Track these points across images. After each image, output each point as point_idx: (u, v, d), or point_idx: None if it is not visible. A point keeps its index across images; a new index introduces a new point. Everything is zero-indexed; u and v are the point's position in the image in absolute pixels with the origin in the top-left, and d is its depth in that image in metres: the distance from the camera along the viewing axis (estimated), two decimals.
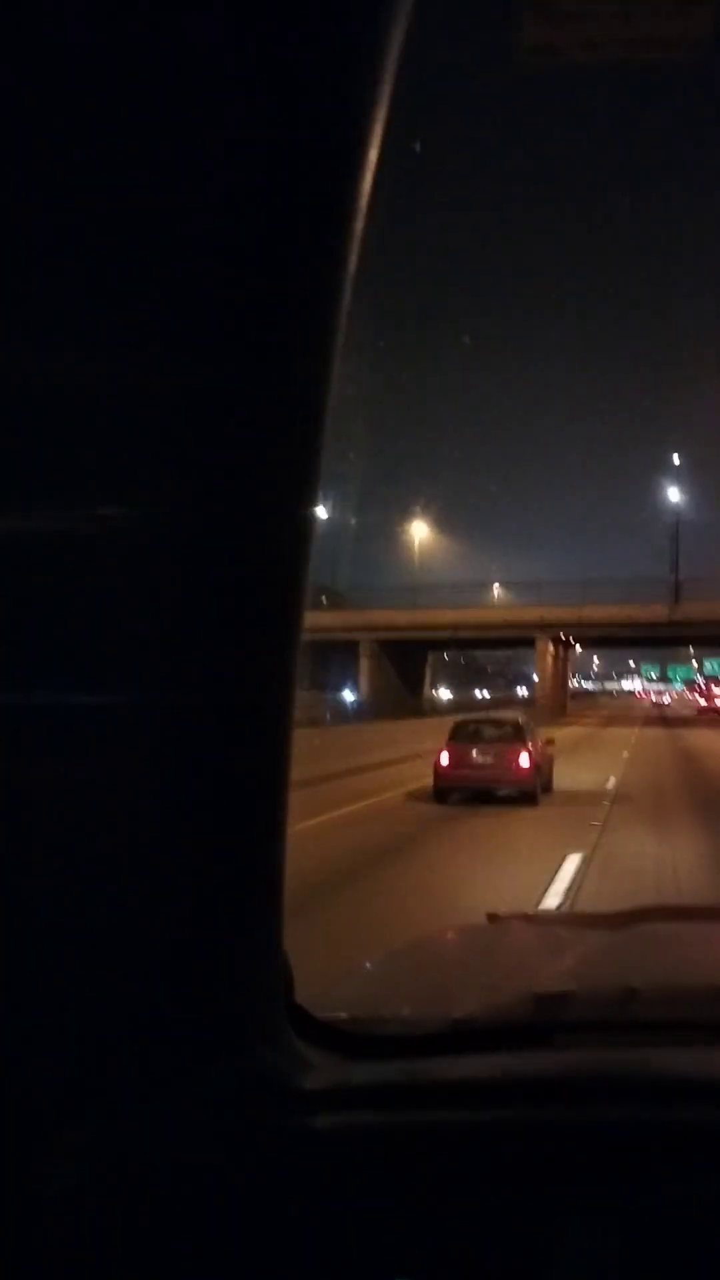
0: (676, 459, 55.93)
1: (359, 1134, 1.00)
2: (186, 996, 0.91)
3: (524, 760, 13.34)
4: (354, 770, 17.35)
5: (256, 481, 0.83)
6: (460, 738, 14.04)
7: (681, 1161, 0.99)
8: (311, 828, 10.14)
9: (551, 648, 50.39)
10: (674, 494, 52.40)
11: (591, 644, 69.65)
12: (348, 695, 48.24)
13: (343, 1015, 1.23)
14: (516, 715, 16.08)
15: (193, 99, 0.73)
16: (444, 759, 13.62)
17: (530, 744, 13.70)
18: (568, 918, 2.98)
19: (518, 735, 13.82)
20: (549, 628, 47.13)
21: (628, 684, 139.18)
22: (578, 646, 66.73)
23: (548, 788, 14.02)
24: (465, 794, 13.28)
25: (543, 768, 13.93)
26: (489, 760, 13.41)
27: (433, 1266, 0.93)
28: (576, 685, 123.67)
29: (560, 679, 57.17)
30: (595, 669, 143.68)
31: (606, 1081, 1.08)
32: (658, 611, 44.20)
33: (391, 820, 11.97)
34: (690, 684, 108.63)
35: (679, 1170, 0.99)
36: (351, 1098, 1.03)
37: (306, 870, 7.41)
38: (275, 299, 0.79)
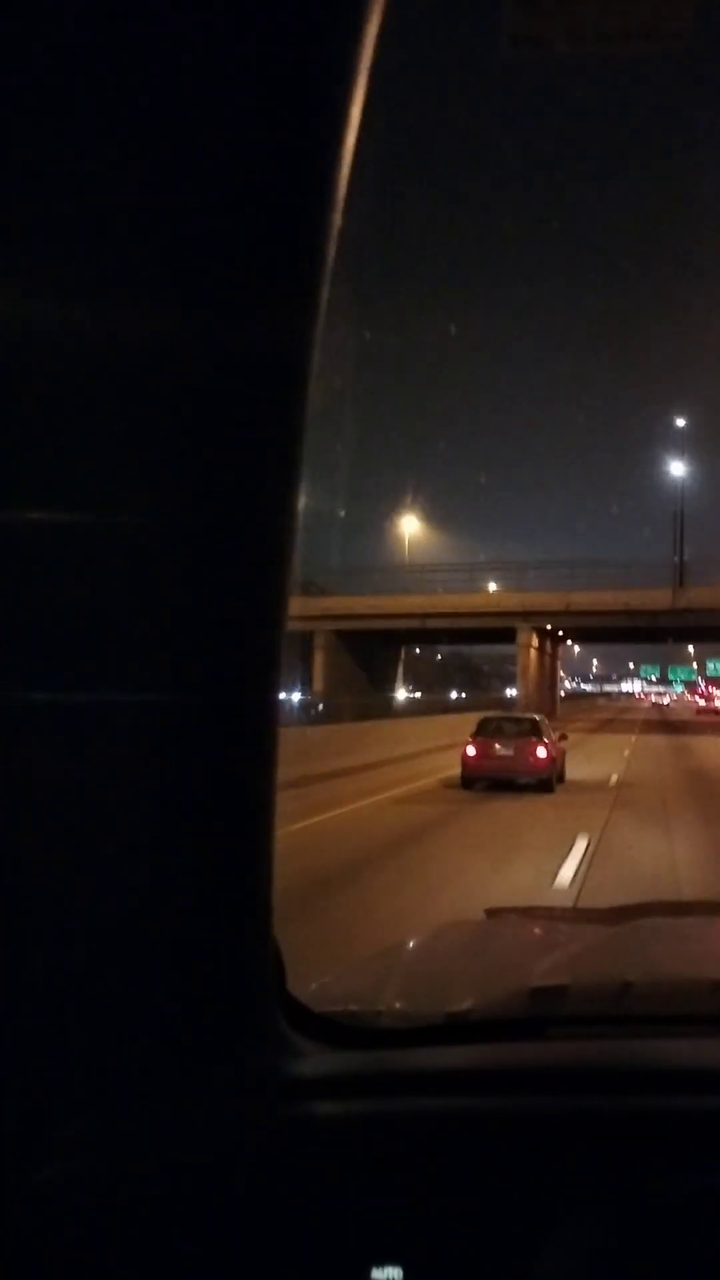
0: (680, 422, 47.00)
1: (351, 1123, 1.00)
2: (178, 990, 0.91)
3: (541, 753, 14.93)
4: None
5: (239, 485, 0.84)
6: (484, 733, 15.63)
7: (674, 1149, 0.99)
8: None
9: (535, 640, 42.74)
10: (677, 467, 43.23)
11: (583, 638, 60.48)
12: (296, 695, 35.44)
13: (337, 1008, 1.23)
14: (534, 714, 17.78)
15: (175, 101, 0.74)
16: (470, 751, 15.25)
17: (546, 739, 15.36)
18: (565, 913, 2.98)
19: (535, 731, 15.53)
20: (533, 617, 39.48)
21: (627, 686, 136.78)
22: (569, 641, 60.43)
23: (560, 778, 15.60)
24: (489, 782, 14.84)
25: (557, 760, 15.53)
26: (510, 753, 14.93)
27: (424, 1254, 0.93)
28: (574, 686, 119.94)
29: (547, 677, 50.26)
30: (594, 670, 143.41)
31: (598, 1071, 1.08)
32: (659, 598, 36.64)
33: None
34: (691, 686, 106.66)
35: (671, 1158, 0.99)
36: (343, 1087, 1.03)
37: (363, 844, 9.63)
38: (256, 305, 0.80)
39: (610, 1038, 1.19)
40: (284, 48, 0.74)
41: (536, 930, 2.11)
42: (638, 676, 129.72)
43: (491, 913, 2.17)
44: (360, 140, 0.80)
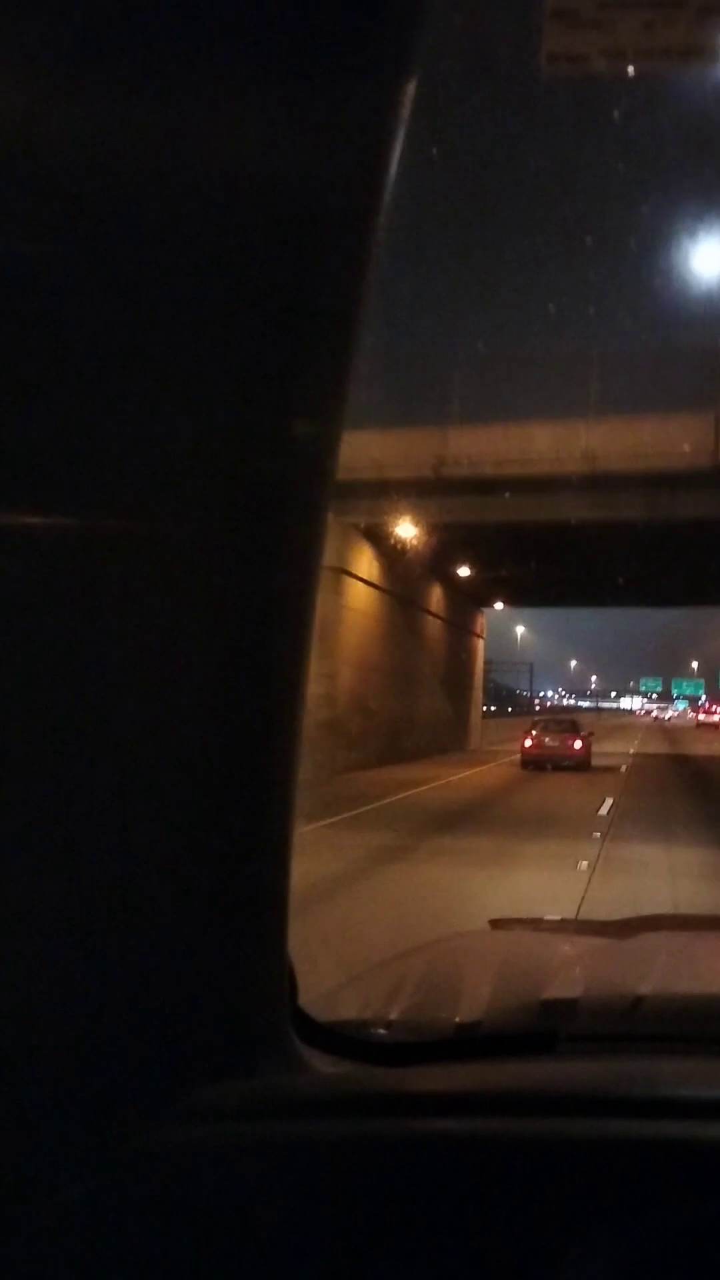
0: None
1: (357, 1143, 0.99)
2: (190, 1002, 0.91)
3: (578, 744, 22.31)
4: None
5: (270, 491, 0.83)
6: (537, 730, 23.33)
7: (686, 1177, 0.99)
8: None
9: (374, 562, 20.53)
10: None
11: (515, 591, 30.94)
12: None
13: (346, 1020, 1.22)
14: (573, 716, 26.20)
15: (205, 105, 0.73)
16: (528, 743, 22.58)
17: (580, 734, 22.63)
18: (572, 925, 2.98)
19: (573, 728, 23.30)
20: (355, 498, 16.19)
21: (627, 702, 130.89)
22: (498, 605, 34.93)
23: (588, 763, 22.28)
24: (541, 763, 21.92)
25: (588, 749, 22.51)
26: (555, 743, 22.36)
27: (429, 1272, 0.92)
28: (560, 701, 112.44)
29: (438, 665, 27.26)
30: (594, 685, 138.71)
31: (610, 1093, 1.07)
32: (679, 441, 16.26)
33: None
34: (693, 702, 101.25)
35: (682, 1186, 0.98)
36: (353, 1105, 1.02)
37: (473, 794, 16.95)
38: (290, 306, 0.80)
39: (621, 1055, 1.18)
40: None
41: (543, 943, 2.10)
42: (639, 692, 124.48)
43: (497, 924, 2.17)
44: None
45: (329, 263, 0.80)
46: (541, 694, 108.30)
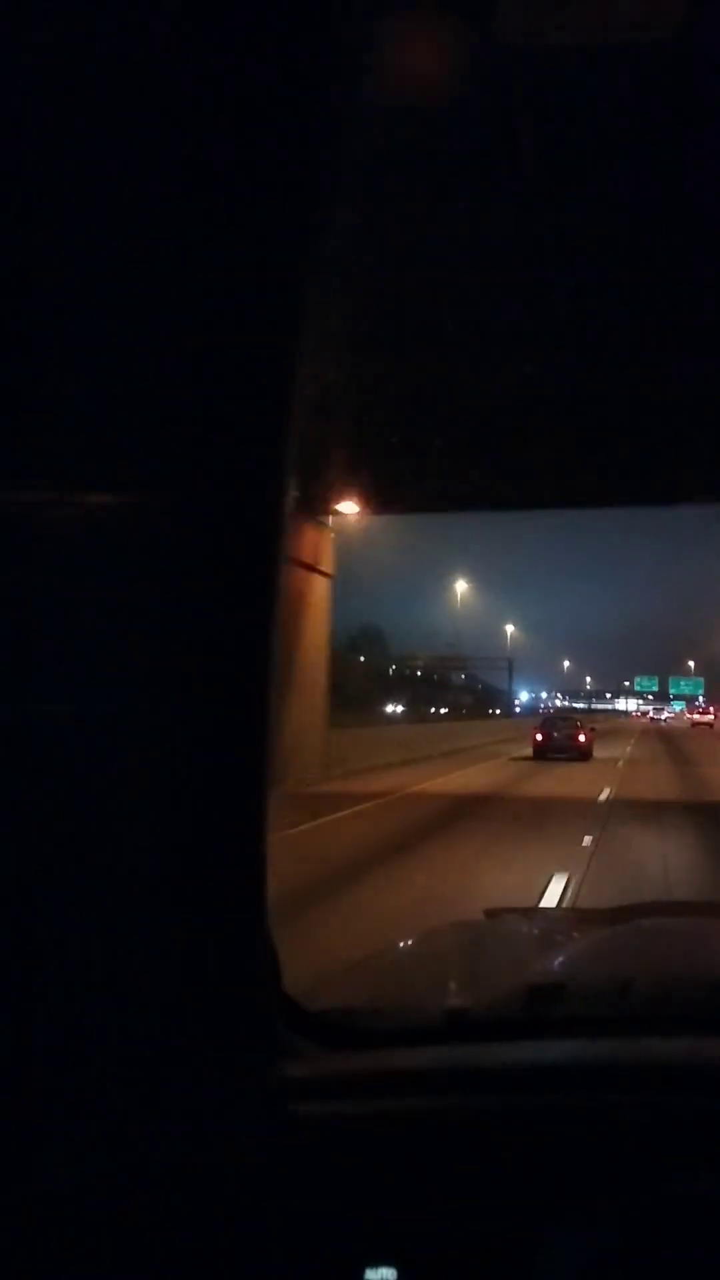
0: None
1: (346, 1123, 0.99)
2: (173, 992, 0.91)
3: (581, 738, 26.04)
4: None
5: (227, 484, 0.85)
6: (546, 726, 27.58)
7: (672, 1148, 0.98)
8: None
9: None
10: None
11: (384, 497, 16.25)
12: None
13: (336, 1008, 1.22)
14: (576, 714, 31.13)
15: (165, 111, 0.77)
16: (539, 736, 26.18)
17: (583, 730, 26.96)
18: (564, 914, 2.99)
19: (579, 724, 27.94)
20: None
21: (621, 703, 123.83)
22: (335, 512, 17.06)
23: (590, 754, 25.78)
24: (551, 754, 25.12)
25: (590, 742, 26.26)
26: (561, 737, 25.94)
27: (419, 1255, 0.92)
28: (549, 703, 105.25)
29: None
30: (588, 685, 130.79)
31: (597, 1070, 1.07)
32: None
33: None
34: (690, 702, 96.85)
35: (669, 1157, 0.98)
36: (339, 1087, 1.02)
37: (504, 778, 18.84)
38: (247, 318, 0.82)
39: (609, 1037, 1.18)
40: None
41: (535, 930, 2.10)
42: (634, 693, 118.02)
43: (490, 913, 2.17)
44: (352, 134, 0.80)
45: (277, 267, 0.83)
46: (534, 696, 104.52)
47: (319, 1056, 1.05)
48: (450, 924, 2.19)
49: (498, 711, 66.06)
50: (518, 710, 76.97)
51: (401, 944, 2.03)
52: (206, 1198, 0.90)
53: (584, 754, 24.85)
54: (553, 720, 29.15)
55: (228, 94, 0.78)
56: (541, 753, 24.73)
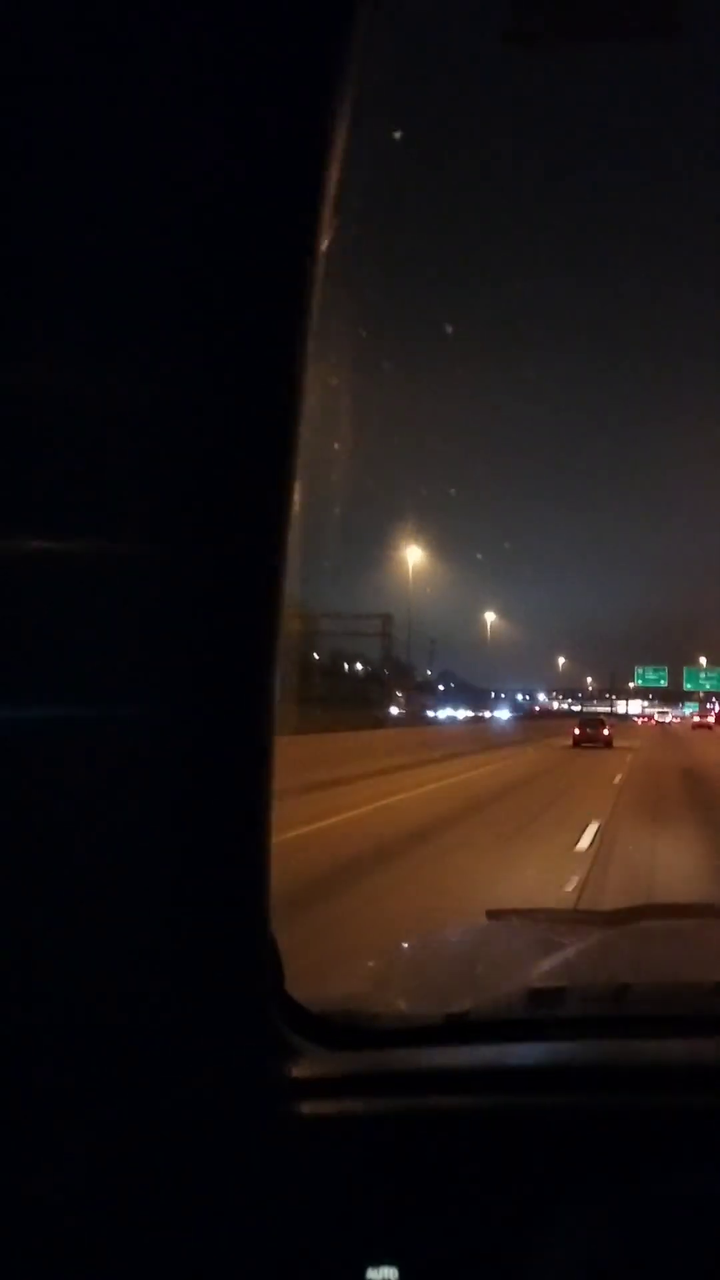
0: None
1: (347, 1122, 0.99)
2: (174, 991, 0.91)
3: (606, 732, 35.53)
4: None
5: (232, 500, 0.86)
6: (581, 725, 36.92)
7: (670, 1148, 0.99)
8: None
9: None
10: None
11: None
12: None
13: (337, 1009, 1.22)
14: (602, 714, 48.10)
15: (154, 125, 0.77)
16: (576, 732, 35.43)
17: (607, 726, 36.88)
18: (564, 915, 2.98)
19: (604, 722, 38.12)
20: None
21: (624, 706, 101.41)
22: None
23: (611, 744, 34.51)
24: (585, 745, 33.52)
25: (613, 735, 35.68)
26: (592, 732, 35.34)
27: (420, 1254, 0.92)
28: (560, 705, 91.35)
29: None
30: (590, 686, 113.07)
31: (596, 1070, 1.07)
32: None
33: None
34: (704, 703, 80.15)
35: (668, 1156, 0.98)
36: (340, 1086, 1.02)
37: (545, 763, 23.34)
38: (246, 350, 0.83)
39: (609, 1038, 1.18)
40: (277, 47, 0.76)
41: (536, 932, 2.10)
42: (636, 693, 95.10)
43: (492, 914, 2.17)
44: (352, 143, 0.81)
45: (277, 293, 0.83)
46: (528, 696, 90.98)
47: (320, 1057, 1.06)
48: (454, 926, 2.20)
49: (436, 714, 47.21)
50: (435, 716, 56.07)
51: (403, 945, 2.03)
52: (208, 1197, 0.91)
53: (608, 744, 34.74)
54: (585, 721, 39.58)
55: (226, 117, 0.78)
56: (578, 743, 34.61)
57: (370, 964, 1.93)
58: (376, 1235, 0.93)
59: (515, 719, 57.76)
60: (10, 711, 0.81)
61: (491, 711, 61.87)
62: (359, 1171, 0.96)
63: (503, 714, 60.65)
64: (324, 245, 0.83)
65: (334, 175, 0.81)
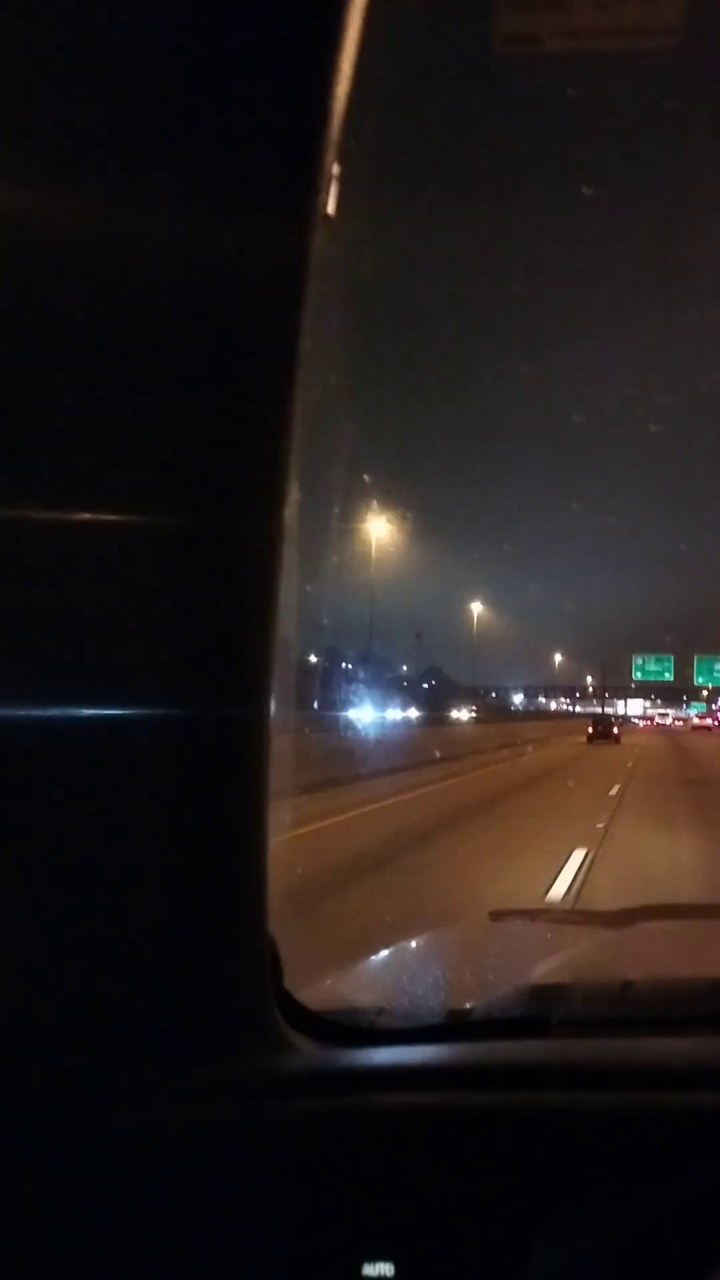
0: None
1: (345, 1118, 0.99)
2: (173, 988, 0.92)
3: (614, 730, 43.40)
4: None
5: (226, 502, 0.87)
6: (594, 722, 45.15)
7: (672, 1147, 0.98)
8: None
9: None
10: None
11: None
12: None
13: (338, 1007, 1.23)
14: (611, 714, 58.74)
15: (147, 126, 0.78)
16: (590, 730, 42.40)
17: (616, 724, 47.82)
18: (566, 915, 2.98)
19: (613, 722, 47.90)
20: None
21: (623, 706, 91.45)
22: None
23: (619, 740, 41.21)
24: (597, 741, 40.73)
25: (620, 733, 43.76)
26: (604, 730, 42.60)
27: (417, 1251, 0.92)
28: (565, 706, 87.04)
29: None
30: (590, 684, 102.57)
31: (598, 1068, 1.07)
32: None
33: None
34: (710, 702, 71.82)
35: (669, 1156, 0.98)
36: (339, 1083, 1.02)
37: (564, 756, 30.12)
38: (241, 351, 0.84)
39: (611, 1037, 1.18)
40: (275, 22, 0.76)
41: (538, 932, 2.10)
42: (636, 692, 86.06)
43: (495, 915, 2.17)
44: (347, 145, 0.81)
45: (271, 296, 0.84)
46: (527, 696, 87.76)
47: (319, 1054, 1.06)
48: (456, 925, 2.20)
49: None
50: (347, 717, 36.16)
51: (405, 944, 2.03)
52: (205, 1193, 0.91)
53: (616, 740, 39.60)
54: (597, 721, 44.88)
55: (221, 101, 0.79)
56: (591, 740, 39.30)
57: (373, 962, 1.93)
58: (374, 1231, 0.93)
59: (479, 721, 48.46)
60: (9, 710, 0.81)
61: (459, 711, 51.88)
62: (357, 1167, 0.96)
63: (463, 714, 49.93)
64: (319, 244, 0.83)
65: (333, 137, 0.81)
